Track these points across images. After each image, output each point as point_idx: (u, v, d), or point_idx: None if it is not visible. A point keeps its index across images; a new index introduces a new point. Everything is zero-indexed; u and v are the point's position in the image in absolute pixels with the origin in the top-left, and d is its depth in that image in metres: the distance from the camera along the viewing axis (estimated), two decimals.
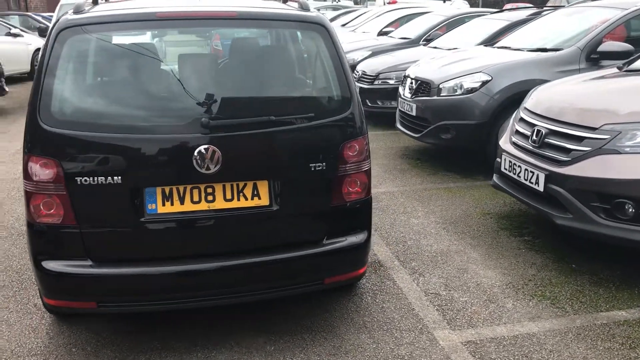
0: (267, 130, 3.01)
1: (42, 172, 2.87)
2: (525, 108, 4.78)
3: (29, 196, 2.93)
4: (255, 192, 3.05)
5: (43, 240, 2.99)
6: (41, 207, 2.92)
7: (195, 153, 2.89)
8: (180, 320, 3.54)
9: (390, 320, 3.59)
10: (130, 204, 2.92)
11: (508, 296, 3.86)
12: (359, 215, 3.33)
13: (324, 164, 3.11)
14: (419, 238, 4.83)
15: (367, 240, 3.34)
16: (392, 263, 4.37)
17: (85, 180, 2.87)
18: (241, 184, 3.03)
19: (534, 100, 4.80)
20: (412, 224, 5.13)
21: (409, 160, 7.28)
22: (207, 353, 3.27)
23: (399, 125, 7.33)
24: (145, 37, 3.13)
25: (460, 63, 6.83)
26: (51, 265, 2.98)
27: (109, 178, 2.87)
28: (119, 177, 2.88)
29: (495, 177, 4.91)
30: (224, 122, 2.96)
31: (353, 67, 9.77)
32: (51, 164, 2.86)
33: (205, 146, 2.90)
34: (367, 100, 8.99)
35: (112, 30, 3.04)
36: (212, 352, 3.28)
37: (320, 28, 3.18)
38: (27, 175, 2.91)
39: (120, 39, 3.11)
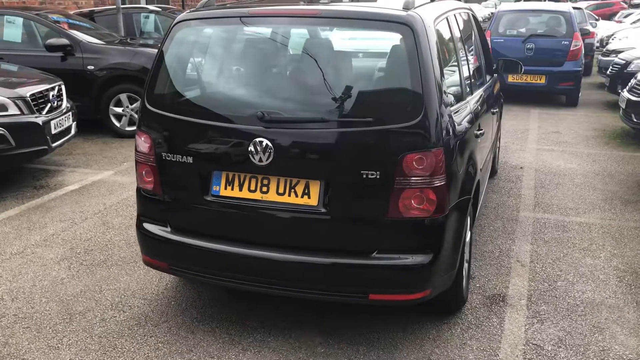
0: (320, 129, 2.98)
1: (143, 144, 3.35)
2: None
3: (137, 165, 3.45)
4: (306, 191, 3.05)
5: (142, 203, 3.49)
6: (143, 175, 3.40)
7: (251, 144, 3.03)
8: (265, 301, 3.74)
9: None
10: (199, 183, 3.20)
11: None
12: (423, 235, 3.05)
13: (378, 172, 2.93)
14: (576, 281, 4.10)
15: (430, 264, 3.04)
16: (517, 301, 3.83)
17: (167, 156, 3.25)
18: (294, 181, 3.06)
19: None
20: (582, 264, 4.36)
21: None
22: (265, 337, 3.40)
23: None
24: (240, 34, 3.34)
25: None
26: (144, 225, 3.46)
27: (184, 157, 3.20)
28: (191, 158, 3.19)
29: None
30: (278, 117, 3.02)
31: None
32: (147, 139, 3.32)
33: (260, 139, 3.01)
34: (633, 115, 7.72)
35: (210, 26, 3.33)
36: (270, 336, 3.40)
37: (404, 29, 2.97)
38: (136, 146, 3.42)
39: (216, 34, 3.39)
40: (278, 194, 3.08)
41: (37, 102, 5.95)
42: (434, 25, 3.18)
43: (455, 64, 3.63)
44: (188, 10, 3.43)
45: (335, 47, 3.19)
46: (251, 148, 3.03)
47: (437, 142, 2.95)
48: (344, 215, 3.03)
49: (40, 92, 6.03)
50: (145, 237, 3.44)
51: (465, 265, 3.78)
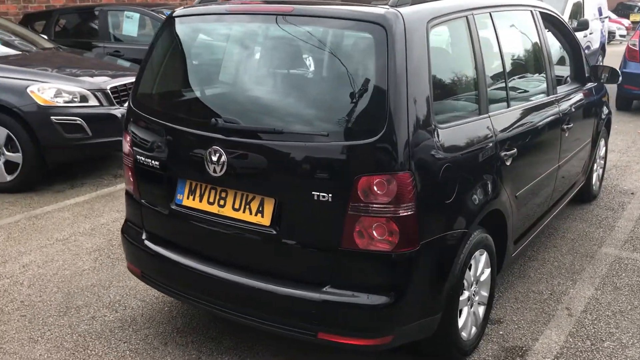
0: (275, 142, 2.64)
1: (125, 145, 3.25)
2: None
3: (124, 166, 3.36)
4: (260, 209, 2.73)
5: (127, 206, 3.40)
6: (129, 176, 3.31)
7: (207, 152, 2.78)
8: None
9: None
10: (166, 190, 3.03)
11: None
12: (383, 272, 2.60)
13: (330, 195, 2.53)
14: (631, 344, 3.32)
15: (391, 307, 2.58)
16: (540, 359, 3.18)
17: (141, 159, 3.11)
18: (250, 196, 2.77)
19: None
20: None
21: None
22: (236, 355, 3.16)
23: None
24: (210, 33, 3.08)
25: None
26: (126, 228, 3.38)
27: (153, 161, 3.04)
28: (158, 162, 3.02)
29: None
30: (232, 125, 2.74)
31: None
32: (128, 139, 3.21)
33: (215, 147, 2.76)
34: None
35: (188, 24, 3.11)
36: None
37: (376, 29, 2.53)
38: (122, 146, 3.33)
39: (189, 32, 3.15)
40: (234, 209, 2.81)
41: (119, 94, 6.19)
42: (427, 27, 2.69)
43: (472, 72, 3.06)
44: (182, 7, 3.26)
45: (303, 50, 2.82)
46: (207, 157, 2.79)
47: (404, 164, 2.48)
48: (295, 240, 2.67)
49: (124, 85, 6.27)
50: (124, 241, 3.35)
51: (480, 308, 3.22)
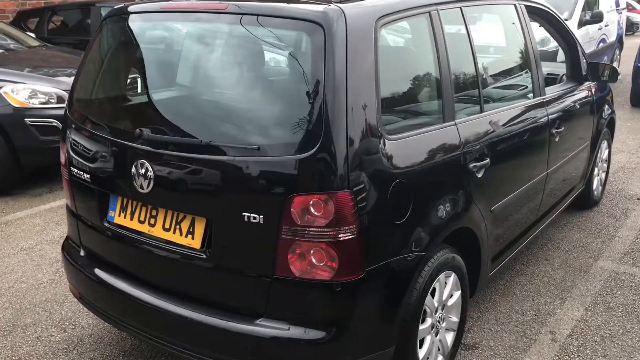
0: (203, 155, 2.36)
1: (62, 155, 3.00)
2: None
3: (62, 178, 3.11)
4: (191, 230, 2.46)
5: (67, 220, 3.14)
6: (65, 190, 3.06)
7: (133, 167, 2.52)
8: None
9: None
10: (98, 205, 2.78)
11: None
12: (322, 303, 2.30)
13: (262, 216, 2.25)
14: None
15: (331, 342, 2.29)
16: None
17: (74, 170, 2.86)
18: (180, 215, 2.49)
19: None
20: None
21: None
22: None
23: None
24: (143, 33, 2.79)
25: None
26: (65, 244, 3.13)
27: (85, 174, 2.79)
28: (89, 176, 2.76)
29: None
30: (157, 137, 2.46)
31: None
32: (64, 150, 2.96)
33: (141, 161, 2.48)
34: None
35: (124, 24, 2.84)
36: None
37: (314, 28, 2.22)
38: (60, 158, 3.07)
39: (124, 32, 2.87)
40: (164, 229, 2.54)
41: None
42: (375, 26, 2.38)
43: (434, 75, 2.73)
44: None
45: (236, 52, 2.52)
46: (134, 171, 2.52)
47: (343, 182, 2.19)
48: (227, 266, 2.40)
49: None
50: (63, 259, 3.10)
51: (449, 335, 2.92)
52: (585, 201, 5.01)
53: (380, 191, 2.32)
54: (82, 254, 2.97)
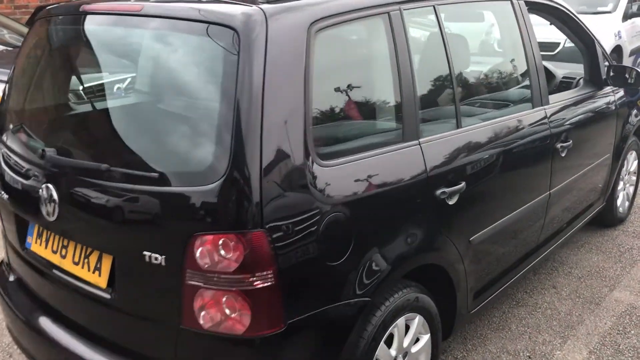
0: (100, 182, 2.03)
1: None
2: None
3: None
4: (98, 265, 2.14)
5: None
6: None
7: (40, 190, 2.22)
8: None
9: None
10: (17, 230, 2.51)
11: None
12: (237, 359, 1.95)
13: (163, 257, 1.91)
14: None
15: None
16: None
17: None
18: (89, 249, 2.18)
19: None
20: None
21: None
22: None
23: None
24: (70, 37, 2.47)
25: None
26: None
27: (4, 194, 2.51)
28: (7, 197, 2.49)
29: None
30: (59, 159, 2.15)
31: None
32: None
33: (47, 185, 2.18)
34: None
35: (46, 27, 2.52)
36: None
37: (227, 35, 1.87)
38: None
39: (46, 39, 2.55)
40: (74, 262, 2.24)
41: None
42: (308, 31, 1.99)
43: (392, 88, 2.31)
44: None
45: (146, 62, 2.18)
46: (40, 195, 2.22)
47: (255, 219, 1.82)
48: (132, 311, 2.07)
49: None
50: None
51: None
52: (607, 219, 4.48)
53: (307, 228, 1.95)
54: (11, 278, 2.71)
